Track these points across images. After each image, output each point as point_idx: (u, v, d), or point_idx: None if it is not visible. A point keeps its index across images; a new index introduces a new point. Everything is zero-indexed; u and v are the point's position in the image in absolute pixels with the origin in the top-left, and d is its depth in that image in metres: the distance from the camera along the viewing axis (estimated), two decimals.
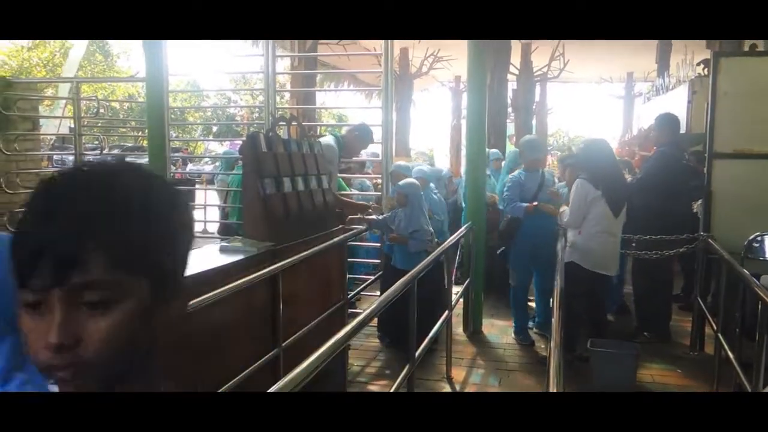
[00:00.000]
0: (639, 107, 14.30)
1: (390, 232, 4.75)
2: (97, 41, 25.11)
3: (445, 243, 4.32)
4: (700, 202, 4.94)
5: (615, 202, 4.26)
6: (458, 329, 5.25)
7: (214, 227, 8.73)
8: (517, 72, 12.22)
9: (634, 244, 4.97)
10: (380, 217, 4.87)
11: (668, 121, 5.16)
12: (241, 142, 4.30)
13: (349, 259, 4.92)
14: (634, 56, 13.53)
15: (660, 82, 10.08)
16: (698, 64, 8.27)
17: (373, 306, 2.55)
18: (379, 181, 5.89)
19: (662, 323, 5.05)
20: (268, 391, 1.41)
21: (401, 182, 4.82)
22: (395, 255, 4.79)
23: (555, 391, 1.43)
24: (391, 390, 2.83)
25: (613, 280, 5.13)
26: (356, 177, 6.86)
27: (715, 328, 3.99)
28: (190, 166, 23.64)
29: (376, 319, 4.91)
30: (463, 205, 5.86)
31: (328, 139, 5.01)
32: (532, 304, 5.40)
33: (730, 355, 3.51)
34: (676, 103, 7.79)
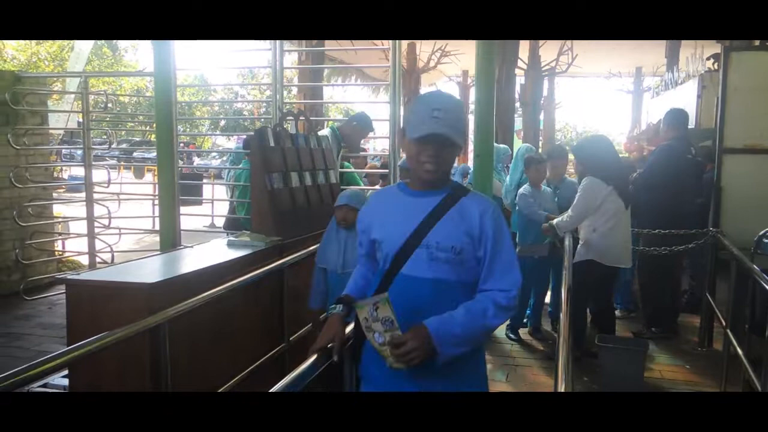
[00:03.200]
0: (648, 102, 14.20)
1: None
2: None
3: None
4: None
5: (626, 194, 4.26)
6: None
7: (222, 221, 8.76)
8: (525, 66, 12.18)
9: (641, 239, 4.95)
10: None
11: (676, 115, 5.13)
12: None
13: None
14: (643, 51, 13.44)
15: (669, 77, 10.01)
16: (708, 59, 8.20)
17: None
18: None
19: (670, 319, 5.03)
20: (275, 387, 1.41)
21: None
22: None
23: (563, 387, 1.42)
24: None
25: (626, 275, 5.12)
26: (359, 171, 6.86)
27: (723, 324, 3.97)
28: (197, 161, 23.72)
29: None
30: None
31: (325, 133, 4.98)
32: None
33: (739, 351, 3.49)
34: (686, 97, 7.73)
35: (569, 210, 4.36)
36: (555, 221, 4.51)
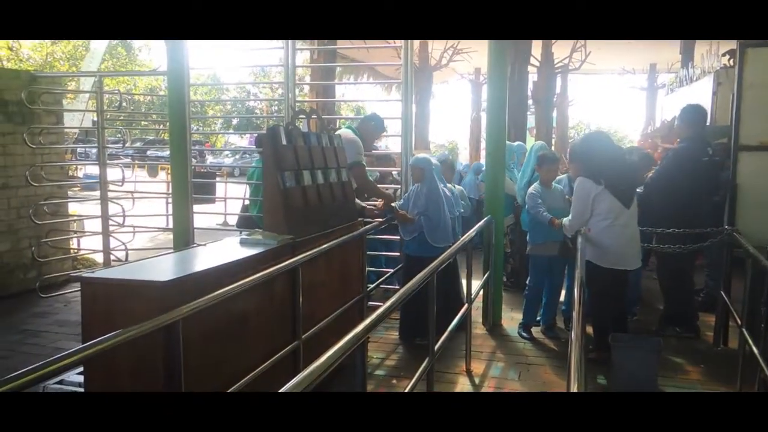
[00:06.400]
0: (662, 99, 14.09)
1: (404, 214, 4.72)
2: None
3: (464, 236, 4.30)
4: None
5: (623, 192, 4.15)
6: (478, 322, 5.25)
7: (235, 220, 8.81)
8: (537, 64, 12.12)
9: (655, 239, 4.91)
10: (401, 202, 4.87)
11: (694, 113, 4.97)
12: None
13: (368, 252, 4.93)
14: (658, 47, 13.32)
15: (684, 74, 9.93)
16: (723, 55, 8.13)
17: (393, 299, 2.55)
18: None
19: (692, 318, 4.99)
20: (287, 385, 1.42)
21: (416, 157, 4.84)
22: (407, 242, 4.80)
23: (576, 387, 1.41)
24: (411, 382, 2.83)
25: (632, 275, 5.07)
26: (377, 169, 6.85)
27: (739, 322, 3.93)
28: (210, 159, 23.85)
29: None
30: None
31: (348, 133, 5.01)
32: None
33: (755, 350, 3.45)
34: (701, 94, 7.67)
35: (570, 214, 4.34)
36: (563, 220, 4.50)
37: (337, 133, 4.85)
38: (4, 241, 6.10)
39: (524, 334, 4.99)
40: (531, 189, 5.02)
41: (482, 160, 6.70)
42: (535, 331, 5.06)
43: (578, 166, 4.46)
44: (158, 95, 25.63)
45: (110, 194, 6.63)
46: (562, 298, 5.30)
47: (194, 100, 6.62)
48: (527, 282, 5.17)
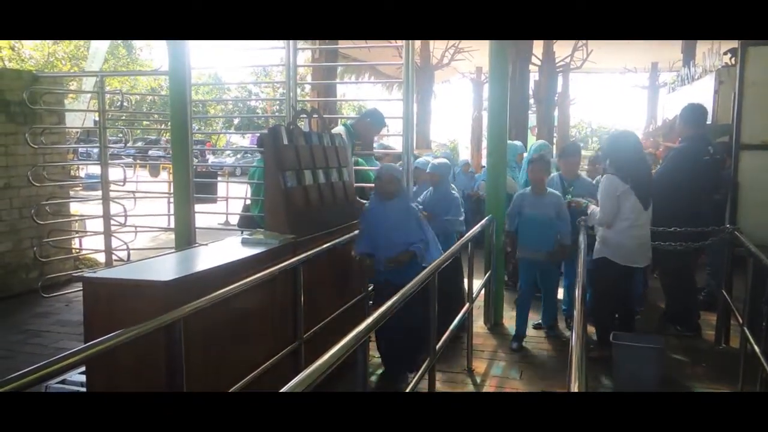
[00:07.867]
0: (664, 97, 14.07)
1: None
2: None
3: (465, 236, 4.30)
4: None
5: (644, 194, 4.18)
6: (479, 322, 5.24)
7: (236, 219, 8.82)
8: (539, 63, 12.11)
9: (656, 237, 4.90)
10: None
11: (694, 111, 4.96)
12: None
13: None
14: (659, 46, 13.30)
15: (685, 72, 9.92)
16: (725, 54, 8.12)
17: (394, 298, 2.55)
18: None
19: (692, 316, 4.99)
20: (289, 384, 1.42)
21: (439, 163, 4.82)
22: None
23: (577, 387, 1.41)
24: (413, 382, 2.83)
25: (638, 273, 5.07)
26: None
27: (740, 321, 3.93)
28: (211, 159, 23.87)
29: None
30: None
31: (338, 130, 5.00)
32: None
33: (756, 349, 3.45)
34: (702, 93, 7.66)
35: (599, 210, 4.29)
36: (590, 209, 4.45)
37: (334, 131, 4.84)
38: (6, 241, 6.11)
39: (514, 346, 4.69)
40: (516, 193, 4.95)
41: (483, 160, 6.69)
42: (536, 330, 5.06)
43: (578, 164, 4.46)
44: (160, 95, 25.65)
45: (112, 194, 6.64)
46: (561, 297, 5.28)
47: (196, 99, 6.63)
48: (518, 285, 5.05)
